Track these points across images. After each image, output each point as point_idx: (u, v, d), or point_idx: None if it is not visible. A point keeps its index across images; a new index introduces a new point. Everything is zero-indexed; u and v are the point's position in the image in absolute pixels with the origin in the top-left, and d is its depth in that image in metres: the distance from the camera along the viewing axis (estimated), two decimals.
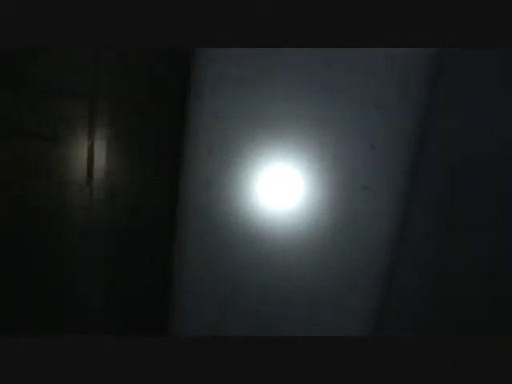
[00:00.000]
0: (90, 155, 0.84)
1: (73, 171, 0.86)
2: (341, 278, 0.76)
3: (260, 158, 0.73)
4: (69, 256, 0.92)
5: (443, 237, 1.06)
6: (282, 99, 0.70)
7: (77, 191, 0.87)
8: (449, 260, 1.07)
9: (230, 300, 0.82)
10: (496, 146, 0.97)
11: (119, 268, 0.96)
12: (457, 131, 0.97)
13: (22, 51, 0.81)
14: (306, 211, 0.73)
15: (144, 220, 1.00)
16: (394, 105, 0.68)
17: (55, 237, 0.92)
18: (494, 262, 1.05)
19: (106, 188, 0.87)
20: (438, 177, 1.01)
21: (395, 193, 0.72)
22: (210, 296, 0.84)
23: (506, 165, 0.99)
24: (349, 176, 0.71)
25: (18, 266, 0.98)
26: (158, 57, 0.91)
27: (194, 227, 0.79)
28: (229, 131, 0.73)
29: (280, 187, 0.74)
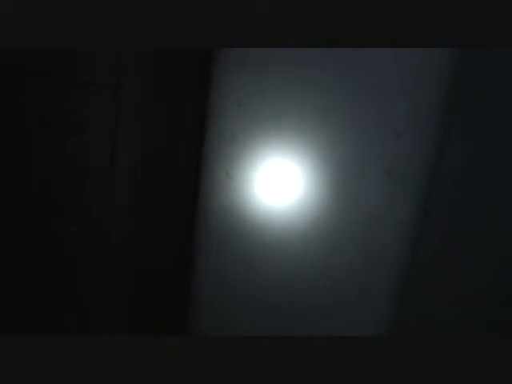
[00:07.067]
0: (114, 144, 0.84)
1: (96, 159, 0.87)
2: (341, 275, 0.76)
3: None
4: (91, 247, 0.93)
5: (461, 235, 1.05)
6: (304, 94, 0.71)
7: (100, 180, 0.88)
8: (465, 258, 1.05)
9: (232, 297, 0.83)
10: None
11: (137, 263, 0.97)
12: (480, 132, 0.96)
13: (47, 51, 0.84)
14: (332, 204, 0.73)
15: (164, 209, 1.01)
16: (418, 97, 0.67)
17: (80, 226, 0.93)
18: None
19: (129, 177, 0.88)
20: (459, 173, 1.00)
21: (416, 183, 0.71)
22: (213, 292, 0.84)
23: None
24: (374, 161, 0.71)
25: (41, 262, 0.99)
26: (178, 50, 0.92)
27: (213, 222, 0.80)
28: (252, 120, 0.73)
29: (296, 178, 0.74)
